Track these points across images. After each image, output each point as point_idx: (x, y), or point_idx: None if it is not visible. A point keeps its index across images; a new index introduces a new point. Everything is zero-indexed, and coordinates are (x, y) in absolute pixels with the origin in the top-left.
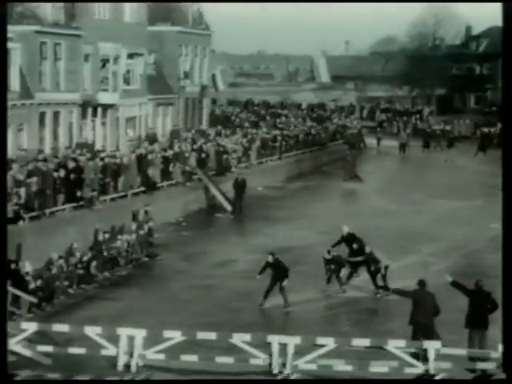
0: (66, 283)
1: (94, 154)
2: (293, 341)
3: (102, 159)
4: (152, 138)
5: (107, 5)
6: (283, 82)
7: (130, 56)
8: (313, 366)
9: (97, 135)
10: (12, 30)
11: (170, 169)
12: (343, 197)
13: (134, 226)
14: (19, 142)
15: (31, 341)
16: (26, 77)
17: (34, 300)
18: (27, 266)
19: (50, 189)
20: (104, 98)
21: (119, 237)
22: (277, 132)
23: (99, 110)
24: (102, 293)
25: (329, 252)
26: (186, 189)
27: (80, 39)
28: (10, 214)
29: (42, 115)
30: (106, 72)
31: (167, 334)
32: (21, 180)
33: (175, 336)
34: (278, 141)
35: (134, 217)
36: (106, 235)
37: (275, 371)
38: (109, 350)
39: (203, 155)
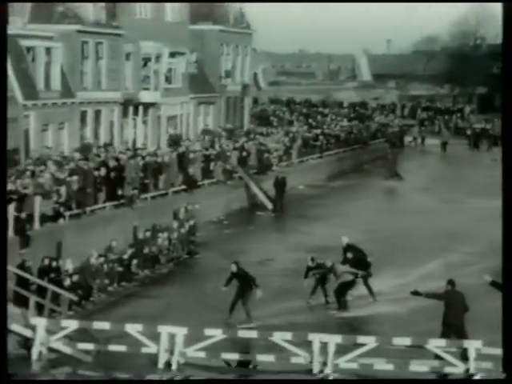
0: (106, 281)
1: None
2: (334, 339)
3: (143, 158)
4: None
5: (148, 4)
6: (325, 81)
7: (172, 55)
8: (353, 365)
9: (138, 134)
10: (54, 29)
11: (211, 167)
12: (383, 195)
13: (175, 225)
14: (59, 140)
15: (71, 338)
16: (68, 76)
17: (74, 298)
18: (68, 264)
19: (90, 187)
20: (145, 96)
21: (160, 235)
22: (318, 131)
23: (140, 108)
24: (142, 291)
25: (312, 259)
26: (227, 187)
27: (121, 38)
28: (50, 213)
29: (83, 114)
30: (148, 71)
31: (208, 331)
32: (61, 178)
33: (216, 334)
34: (320, 140)
35: (175, 215)
36: (147, 233)
37: (316, 370)
38: (149, 348)
39: (244, 154)
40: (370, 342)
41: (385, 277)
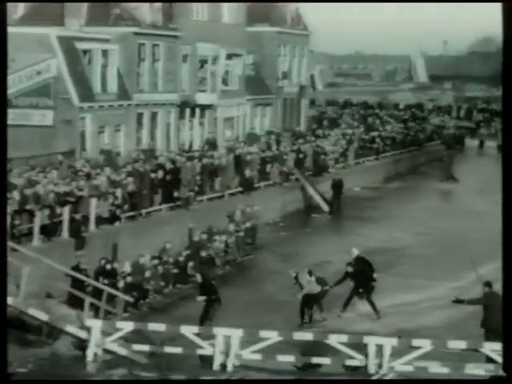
0: (161, 283)
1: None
2: (389, 342)
3: (199, 159)
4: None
5: (205, 6)
6: (381, 82)
7: (229, 57)
8: (409, 368)
9: (194, 135)
10: (110, 31)
11: (268, 169)
12: (439, 197)
13: (231, 227)
14: (116, 142)
15: (127, 340)
16: (124, 78)
17: (130, 299)
18: (126, 267)
19: (146, 189)
20: (202, 98)
21: (217, 237)
22: (375, 133)
23: (197, 110)
24: (197, 293)
25: (310, 273)
26: (284, 189)
27: (178, 40)
28: (106, 215)
29: (140, 116)
30: (205, 72)
31: (263, 334)
32: (117, 181)
33: (271, 336)
34: (377, 143)
35: (230, 217)
36: (203, 235)
37: (371, 372)
38: (205, 350)
39: (301, 155)
40: (425, 344)
41: (440, 280)
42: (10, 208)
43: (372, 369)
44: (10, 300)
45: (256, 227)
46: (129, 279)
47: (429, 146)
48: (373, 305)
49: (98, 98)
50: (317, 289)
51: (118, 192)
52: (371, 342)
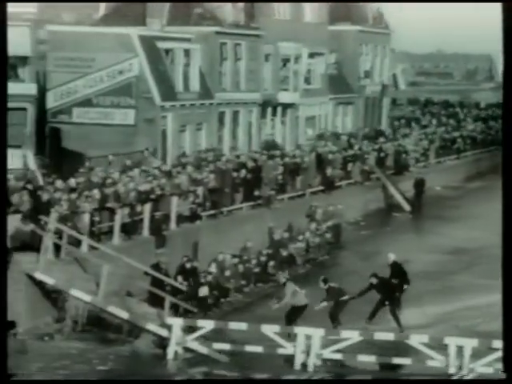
0: (242, 282)
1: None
2: (470, 343)
3: (281, 158)
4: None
5: (287, 5)
6: (462, 81)
7: (311, 55)
8: (489, 370)
9: (276, 134)
10: (192, 31)
11: (349, 168)
12: None
13: (312, 226)
14: (197, 141)
15: (207, 338)
16: (206, 77)
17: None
18: (212, 268)
19: (227, 187)
20: (284, 97)
21: (300, 237)
22: (456, 134)
23: (279, 109)
24: (278, 291)
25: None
26: (365, 188)
27: (260, 39)
28: (186, 213)
29: (221, 115)
30: (287, 71)
31: (344, 333)
32: (198, 179)
33: (352, 336)
34: (457, 142)
35: (311, 216)
36: (285, 234)
37: (451, 372)
38: (286, 349)
39: (382, 154)
40: None
41: None
42: (90, 206)
43: (452, 370)
44: (89, 298)
45: (340, 226)
46: (209, 277)
47: None
48: (396, 318)
49: (180, 97)
50: (303, 301)
51: (200, 190)
52: (451, 342)
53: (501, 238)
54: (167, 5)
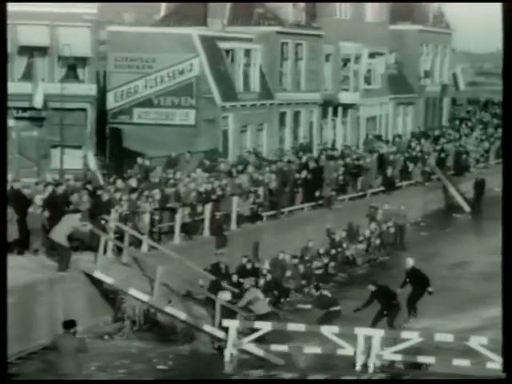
0: (302, 282)
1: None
2: None
3: (342, 159)
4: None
5: (348, 5)
6: None
7: (371, 55)
8: None
9: (337, 135)
10: (253, 31)
11: (410, 169)
12: None
13: (372, 226)
14: (258, 141)
15: (265, 339)
16: (267, 77)
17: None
18: (266, 264)
19: (288, 188)
20: (345, 97)
21: (360, 238)
22: None
23: (340, 109)
24: (339, 292)
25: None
26: (425, 189)
27: (321, 39)
28: (247, 213)
29: (282, 115)
30: (347, 71)
31: (405, 334)
32: (259, 180)
33: (413, 337)
34: None
35: (372, 216)
36: (344, 234)
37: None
38: (346, 350)
39: (443, 155)
40: None
41: None
42: (151, 206)
43: None
44: (145, 298)
45: (404, 227)
46: (269, 277)
47: None
48: (392, 328)
49: (241, 98)
50: (264, 310)
51: (260, 191)
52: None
53: None
54: (228, 5)
